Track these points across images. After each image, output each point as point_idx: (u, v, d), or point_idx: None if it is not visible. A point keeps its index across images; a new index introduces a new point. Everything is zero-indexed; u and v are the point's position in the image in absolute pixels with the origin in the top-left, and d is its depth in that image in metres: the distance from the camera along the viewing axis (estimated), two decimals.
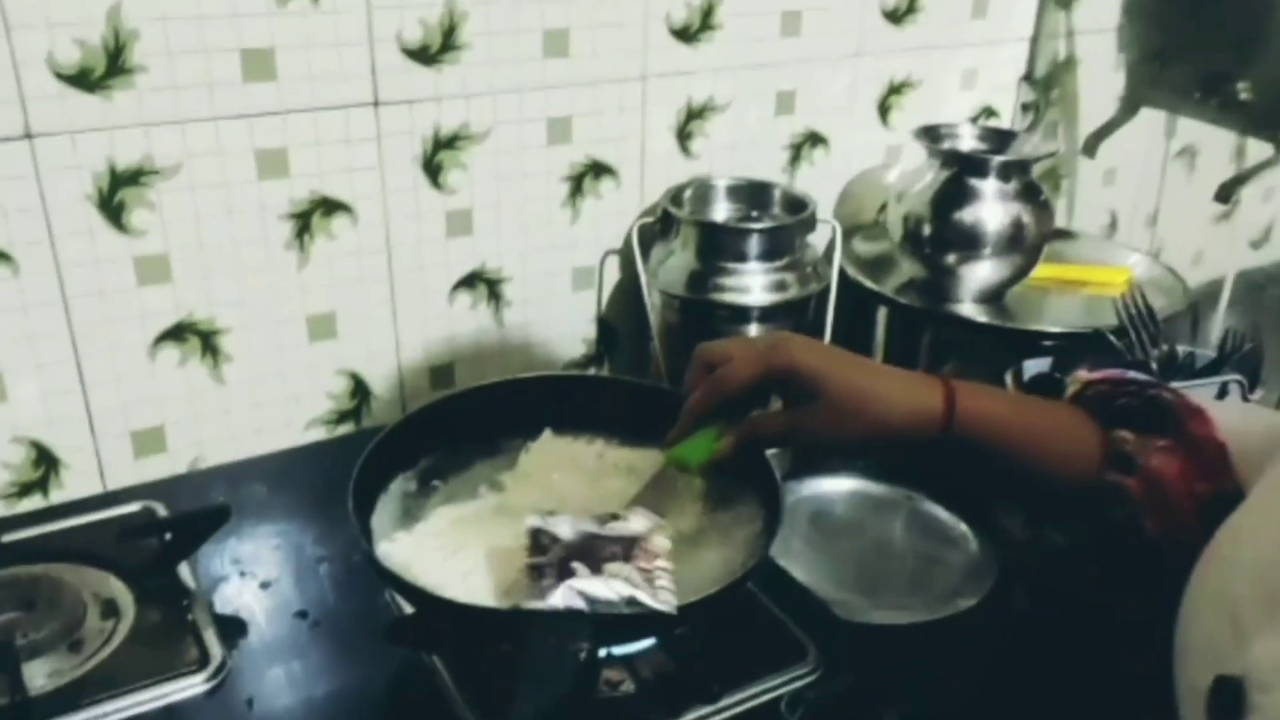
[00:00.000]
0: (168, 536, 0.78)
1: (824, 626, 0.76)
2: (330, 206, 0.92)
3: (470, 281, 1.01)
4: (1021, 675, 0.82)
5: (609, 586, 0.58)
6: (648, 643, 0.70)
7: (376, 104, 0.90)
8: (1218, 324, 1.37)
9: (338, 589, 0.78)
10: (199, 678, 0.68)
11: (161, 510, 0.85)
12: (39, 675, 0.67)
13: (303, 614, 0.76)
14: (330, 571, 0.80)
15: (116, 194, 0.83)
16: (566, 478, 0.77)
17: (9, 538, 0.81)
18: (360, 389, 1.00)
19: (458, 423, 0.80)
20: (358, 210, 0.93)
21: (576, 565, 0.59)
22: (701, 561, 0.67)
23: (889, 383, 0.65)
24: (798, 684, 0.70)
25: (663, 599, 0.59)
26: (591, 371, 1.11)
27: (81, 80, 0.79)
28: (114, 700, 0.66)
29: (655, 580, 0.60)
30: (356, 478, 0.70)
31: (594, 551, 0.61)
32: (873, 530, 0.99)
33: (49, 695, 0.66)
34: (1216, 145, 1.39)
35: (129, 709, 0.66)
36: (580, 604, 0.58)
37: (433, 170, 0.95)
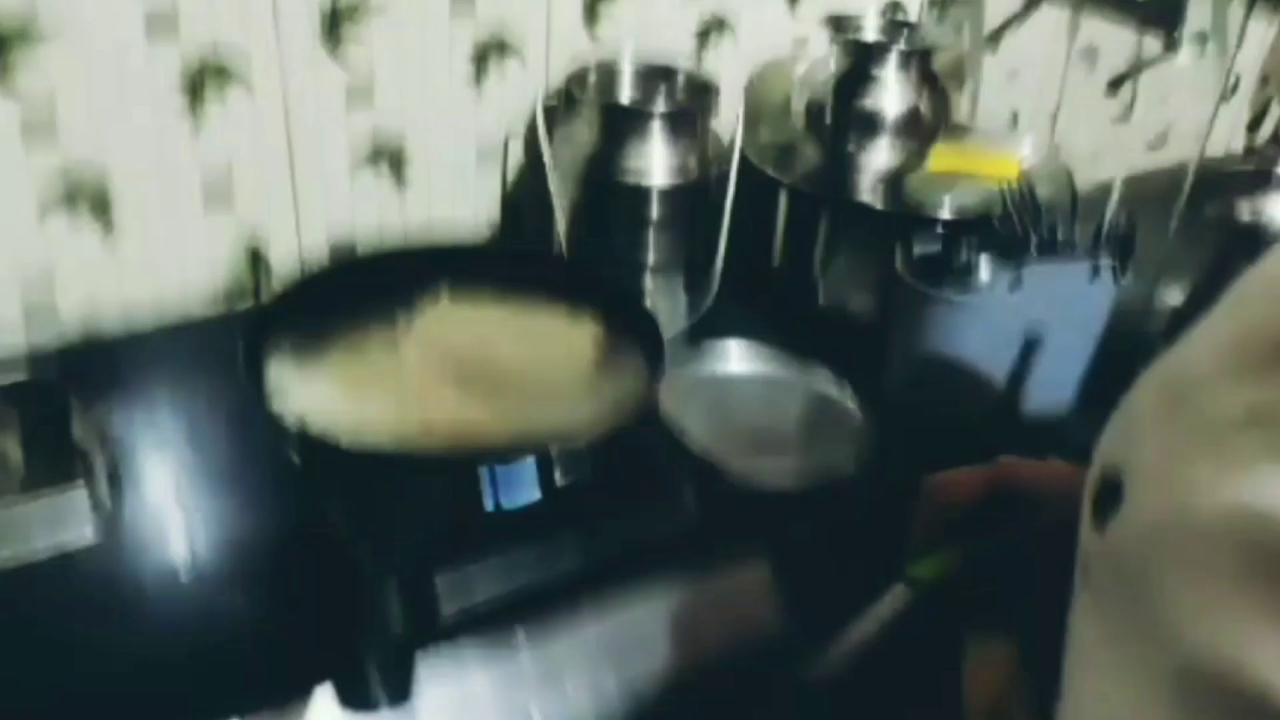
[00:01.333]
0: (60, 391, 0.78)
1: (708, 486, 0.79)
2: (223, 74, 0.90)
3: (373, 159, 1.01)
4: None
5: None
6: (534, 496, 0.72)
7: None
8: (1106, 218, 1.42)
9: (233, 448, 0.79)
10: (90, 524, 0.70)
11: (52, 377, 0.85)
12: None
13: (198, 471, 0.77)
14: (225, 432, 0.80)
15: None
16: (462, 343, 0.79)
17: None
18: (259, 264, 1.00)
19: (355, 289, 0.81)
20: (253, 80, 0.92)
21: None
22: (586, 414, 0.70)
23: None
24: (675, 533, 0.73)
25: None
26: None
27: None
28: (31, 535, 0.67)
29: None
30: (248, 333, 0.71)
31: None
32: (766, 402, 1.03)
33: None
34: (1118, 44, 1.42)
35: (20, 550, 0.67)
36: None
37: (332, 41, 0.94)
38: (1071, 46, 1.43)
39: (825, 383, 1.04)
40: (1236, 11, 1.44)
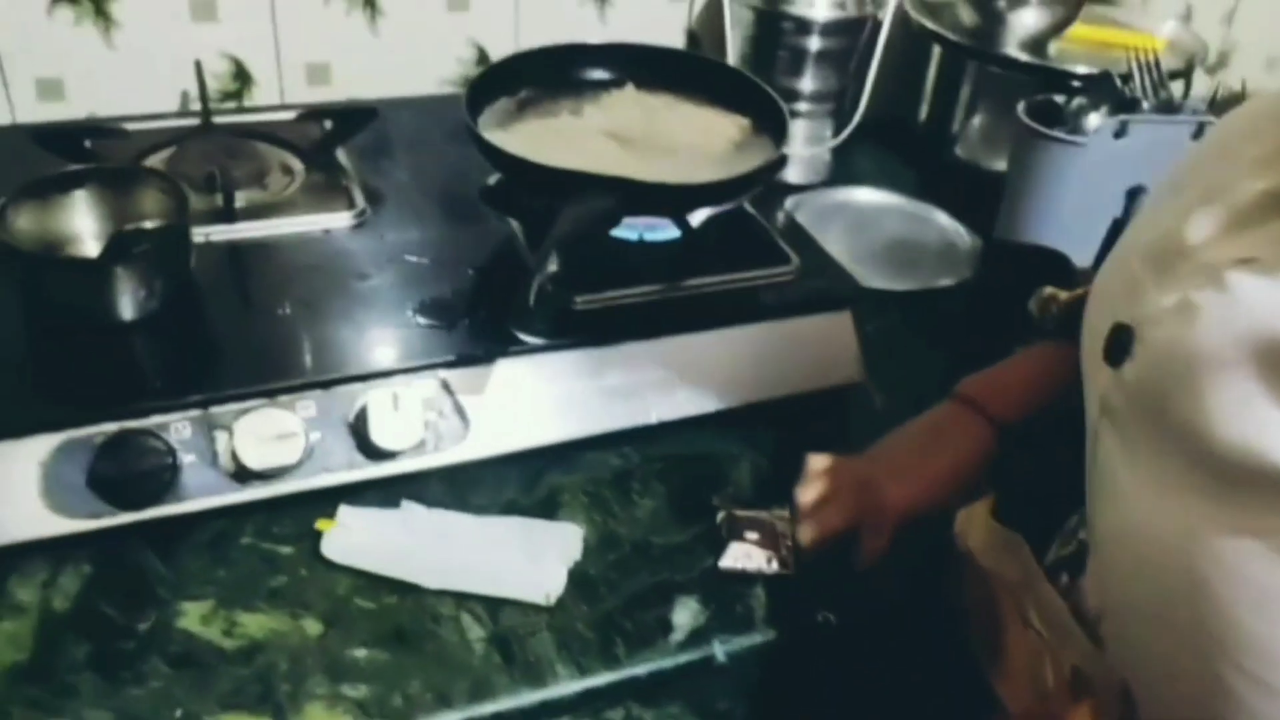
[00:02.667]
0: (329, 125, 1.03)
1: (819, 267, 0.96)
2: None
3: None
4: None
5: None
6: (673, 234, 0.92)
7: None
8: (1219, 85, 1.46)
9: (454, 178, 1.02)
10: (348, 215, 0.95)
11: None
12: (240, 198, 0.95)
13: (427, 190, 1.01)
14: (450, 165, 1.04)
15: None
16: (634, 118, 0.99)
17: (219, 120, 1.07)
18: (483, 57, 1.22)
19: (556, 70, 1.02)
20: None
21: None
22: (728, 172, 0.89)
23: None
24: (781, 279, 0.92)
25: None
26: None
27: None
28: (308, 217, 0.94)
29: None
30: (470, 88, 0.93)
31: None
32: (891, 227, 1.19)
33: (246, 208, 0.94)
34: None
35: (301, 225, 0.93)
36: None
37: None
38: None
39: (945, 219, 1.20)
40: None
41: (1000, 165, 1.26)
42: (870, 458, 0.77)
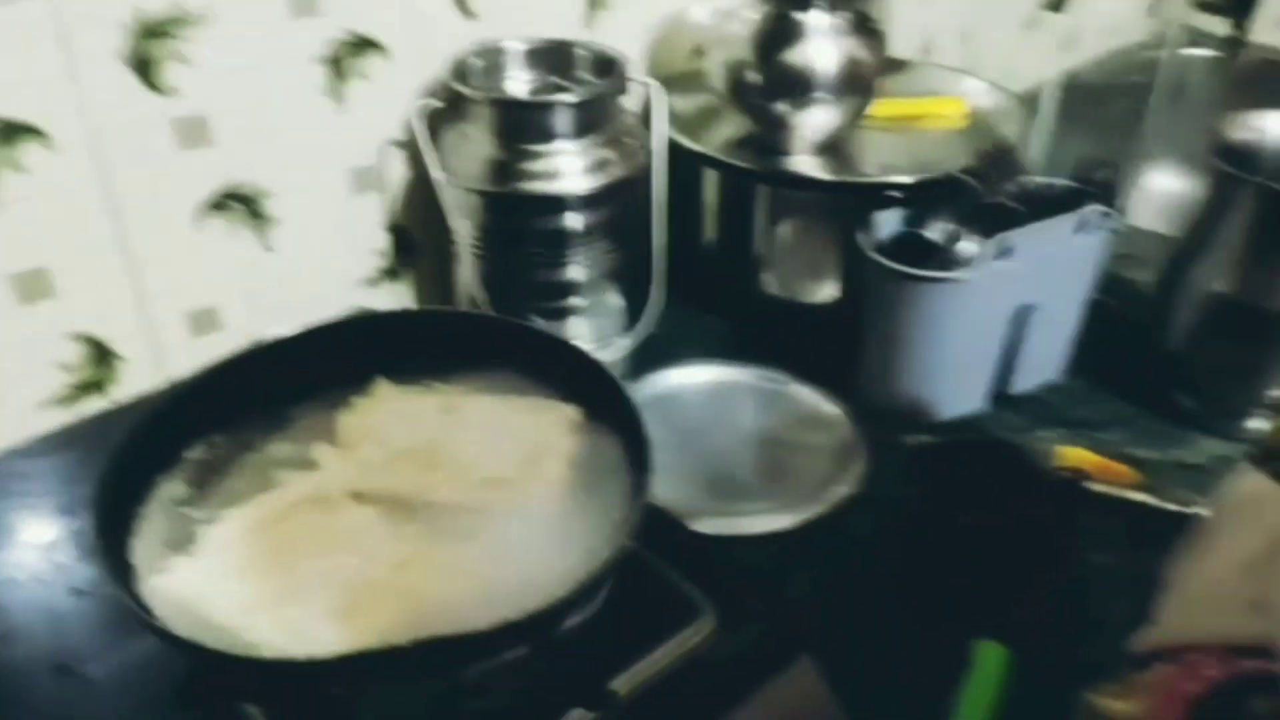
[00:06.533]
0: None
1: (701, 562, 0.65)
2: (11, 130, 0.70)
3: (221, 203, 0.82)
4: (911, 563, 0.76)
5: None
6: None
7: None
8: (1041, 133, 1.34)
9: (109, 628, 0.61)
10: None
11: None
12: None
13: (64, 669, 0.59)
14: (96, 606, 0.63)
15: None
16: (402, 450, 0.62)
17: None
18: (102, 353, 0.80)
19: (235, 395, 0.64)
20: (50, 132, 0.72)
21: None
22: (568, 540, 0.55)
23: None
24: (696, 644, 0.59)
25: None
26: (387, 287, 0.94)
27: None
28: None
29: None
30: (99, 497, 0.53)
31: None
32: (734, 422, 0.89)
33: None
34: None
35: None
36: None
37: (143, 68, 0.74)
38: None
39: (799, 387, 0.91)
40: None
41: (819, 295, 1.00)
42: None
